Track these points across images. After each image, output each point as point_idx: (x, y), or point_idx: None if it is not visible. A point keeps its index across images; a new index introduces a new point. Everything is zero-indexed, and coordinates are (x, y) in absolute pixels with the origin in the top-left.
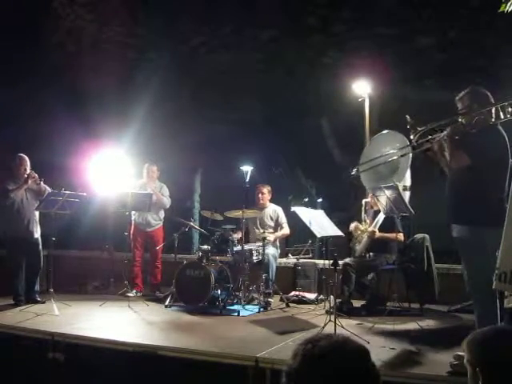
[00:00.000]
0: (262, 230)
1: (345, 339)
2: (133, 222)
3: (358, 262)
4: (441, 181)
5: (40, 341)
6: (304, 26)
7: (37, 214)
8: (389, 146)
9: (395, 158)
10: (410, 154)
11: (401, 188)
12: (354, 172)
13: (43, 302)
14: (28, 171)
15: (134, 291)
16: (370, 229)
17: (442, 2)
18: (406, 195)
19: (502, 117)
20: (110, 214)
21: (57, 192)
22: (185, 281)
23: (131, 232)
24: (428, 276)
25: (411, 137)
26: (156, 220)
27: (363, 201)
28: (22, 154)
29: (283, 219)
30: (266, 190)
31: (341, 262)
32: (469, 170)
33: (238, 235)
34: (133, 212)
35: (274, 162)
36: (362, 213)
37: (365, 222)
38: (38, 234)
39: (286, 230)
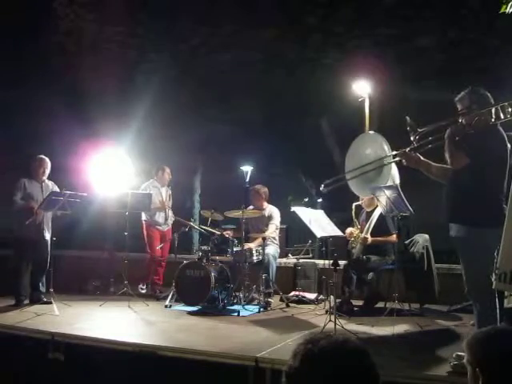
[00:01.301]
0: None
1: (345, 339)
2: (144, 221)
3: (358, 263)
4: (440, 182)
5: (40, 341)
6: (304, 25)
7: (49, 214)
8: (370, 148)
9: (381, 163)
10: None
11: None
12: (322, 188)
13: (50, 302)
14: (47, 173)
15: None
16: (362, 235)
17: (441, 2)
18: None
19: (502, 117)
20: (109, 214)
21: (58, 192)
22: (185, 281)
23: (145, 232)
24: (428, 276)
25: (411, 138)
26: (171, 219)
27: (353, 204)
28: (42, 156)
29: (274, 220)
30: (260, 191)
31: (342, 263)
32: (468, 169)
33: (231, 233)
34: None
35: (274, 162)
36: (353, 217)
37: (356, 226)
38: (48, 235)
39: (268, 231)
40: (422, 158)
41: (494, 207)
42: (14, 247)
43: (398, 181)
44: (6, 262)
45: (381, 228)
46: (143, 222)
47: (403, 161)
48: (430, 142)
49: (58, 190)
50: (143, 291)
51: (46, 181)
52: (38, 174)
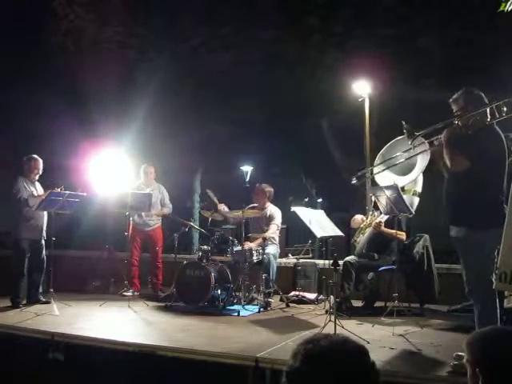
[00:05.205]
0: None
1: (344, 339)
2: (131, 222)
3: (358, 261)
4: (440, 181)
5: (40, 341)
6: (304, 25)
7: (46, 215)
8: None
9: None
10: (428, 157)
11: (411, 193)
12: (354, 181)
13: (48, 302)
14: (40, 172)
15: (131, 291)
16: (378, 220)
17: (441, 2)
18: (415, 200)
19: (498, 116)
20: (109, 214)
21: (57, 192)
22: (185, 281)
23: (129, 232)
24: (428, 276)
25: (409, 142)
26: (154, 220)
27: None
28: (35, 155)
29: (275, 220)
30: (262, 191)
31: (342, 263)
32: (468, 171)
33: (224, 207)
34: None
35: (274, 162)
36: (371, 206)
37: (372, 215)
38: (45, 235)
39: (269, 231)
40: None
41: (493, 208)
42: (16, 248)
43: (419, 189)
44: (5, 263)
45: (394, 222)
46: (130, 222)
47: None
48: (428, 143)
49: (42, 190)
50: (128, 294)
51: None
52: (33, 174)
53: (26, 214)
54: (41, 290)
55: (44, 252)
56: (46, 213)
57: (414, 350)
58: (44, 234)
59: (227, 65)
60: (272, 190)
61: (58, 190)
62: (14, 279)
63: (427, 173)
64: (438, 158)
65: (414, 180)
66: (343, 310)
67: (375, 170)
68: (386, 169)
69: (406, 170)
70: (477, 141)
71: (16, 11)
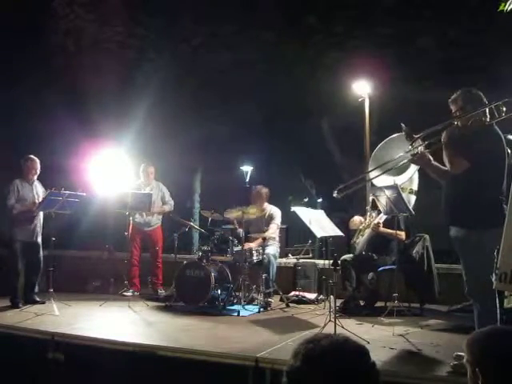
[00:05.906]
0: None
1: (345, 339)
2: (131, 221)
3: (355, 259)
4: (438, 181)
5: (40, 341)
6: (304, 26)
7: (41, 216)
8: (401, 149)
9: (405, 161)
10: None
11: (407, 191)
12: (335, 195)
13: (43, 303)
14: (38, 172)
15: (131, 291)
16: (376, 221)
17: (441, 2)
18: (412, 199)
19: (497, 116)
20: (109, 214)
21: (57, 192)
22: (185, 281)
23: (129, 232)
24: (428, 276)
25: (408, 145)
26: (154, 219)
27: (371, 197)
28: (33, 156)
29: (275, 220)
30: (261, 192)
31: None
32: (468, 172)
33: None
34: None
35: (274, 162)
36: (369, 207)
37: (370, 216)
38: (40, 235)
39: (269, 231)
40: (432, 160)
41: (493, 208)
42: (9, 249)
43: (415, 187)
44: (5, 263)
45: (393, 223)
46: (130, 222)
47: (415, 159)
48: (427, 146)
49: (43, 189)
50: (128, 294)
51: (35, 181)
52: (30, 175)
53: (18, 216)
54: (37, 289)
55: (41, 253)
56: (41, 214)
57: (413, 349)
58: (39, 235)
59: (227, 65)
60: (267, 190)
61: (53, 189)
62: (10, 280)
63: (427, 174)
64: (431, 173)
65: (410, 178)
66: (351, 307)
67: (371, 174)
68: (383, 173)
69: (402, 168)
70: (476, 141)
71: (16, 11)
